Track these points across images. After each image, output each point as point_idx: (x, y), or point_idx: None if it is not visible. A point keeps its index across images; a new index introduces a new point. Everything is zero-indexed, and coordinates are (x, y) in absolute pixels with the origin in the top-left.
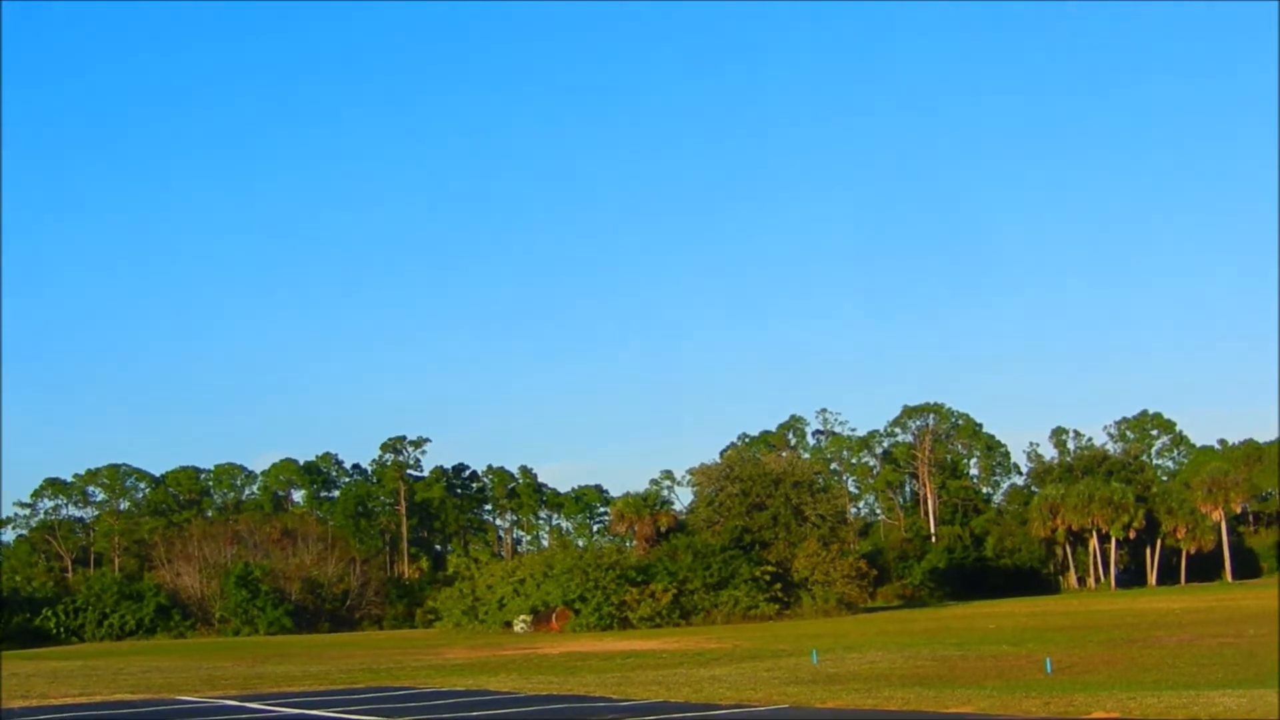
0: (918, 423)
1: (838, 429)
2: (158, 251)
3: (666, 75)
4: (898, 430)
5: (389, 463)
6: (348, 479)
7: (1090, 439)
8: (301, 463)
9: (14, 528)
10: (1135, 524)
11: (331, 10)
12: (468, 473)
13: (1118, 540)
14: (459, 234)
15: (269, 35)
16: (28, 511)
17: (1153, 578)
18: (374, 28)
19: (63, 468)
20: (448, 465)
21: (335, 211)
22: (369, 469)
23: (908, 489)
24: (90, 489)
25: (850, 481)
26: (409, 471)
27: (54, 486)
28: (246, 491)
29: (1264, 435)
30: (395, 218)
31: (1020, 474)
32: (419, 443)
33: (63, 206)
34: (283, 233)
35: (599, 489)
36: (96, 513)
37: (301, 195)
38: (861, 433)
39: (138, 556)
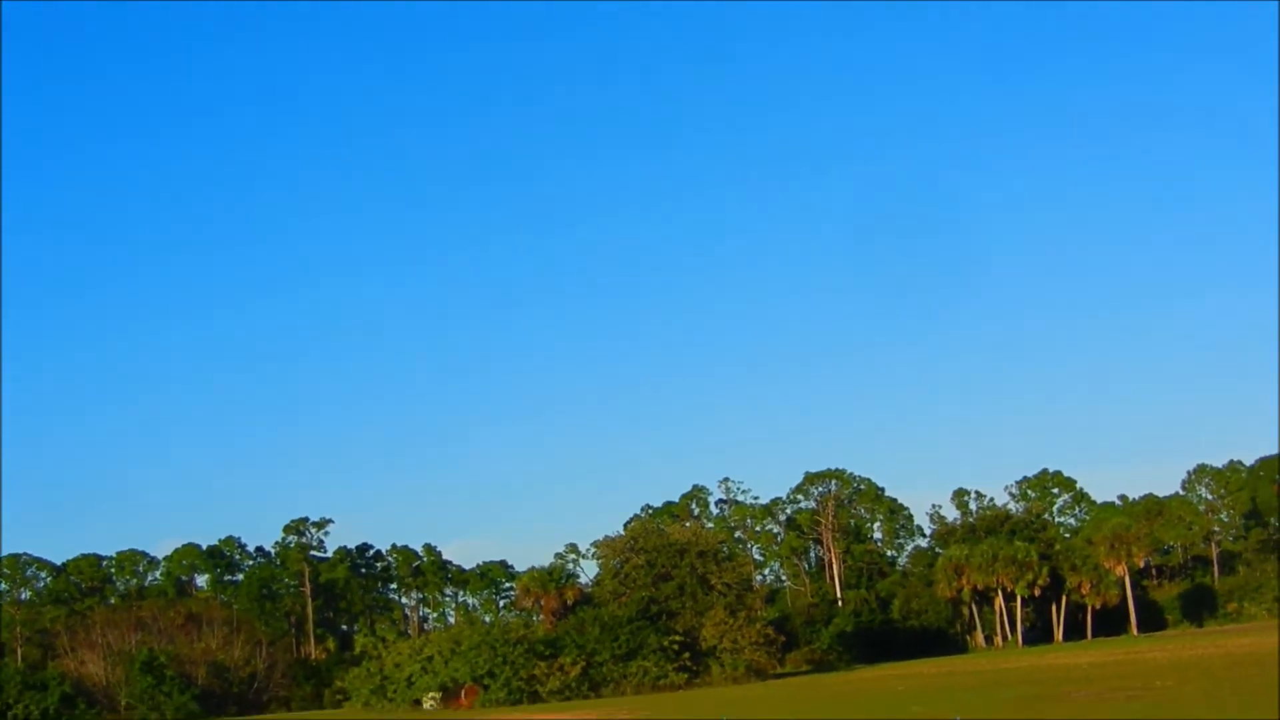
0: (820, 489)
1: (740, 497)
2: (52, 333)
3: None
4: (800, 497)
5: (292, 544)
6: (251, 562)
7: (992, 499)
8: (204, 547)
9: None
10: (1040, 581)
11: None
12: (372, 552)
13: (1023, 598)
14: (358, 311)
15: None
16: None
17: (1059, 634)
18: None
19: None
20: (351, 545)
21: (233, 290)
22: (272, 551)
23: (812, 554)
24: None
25: (755, 549)
26: (313, 552)
27: None
28: (149, 577)
29: (1164, 489)
30: (294, 295)
31: (924, 536)
32: (322, 524)
33: None
34: (179, 313)
35: (504, 564)
36: None
37: (190, 280)
38: (764, 500)
39: (40, 646)
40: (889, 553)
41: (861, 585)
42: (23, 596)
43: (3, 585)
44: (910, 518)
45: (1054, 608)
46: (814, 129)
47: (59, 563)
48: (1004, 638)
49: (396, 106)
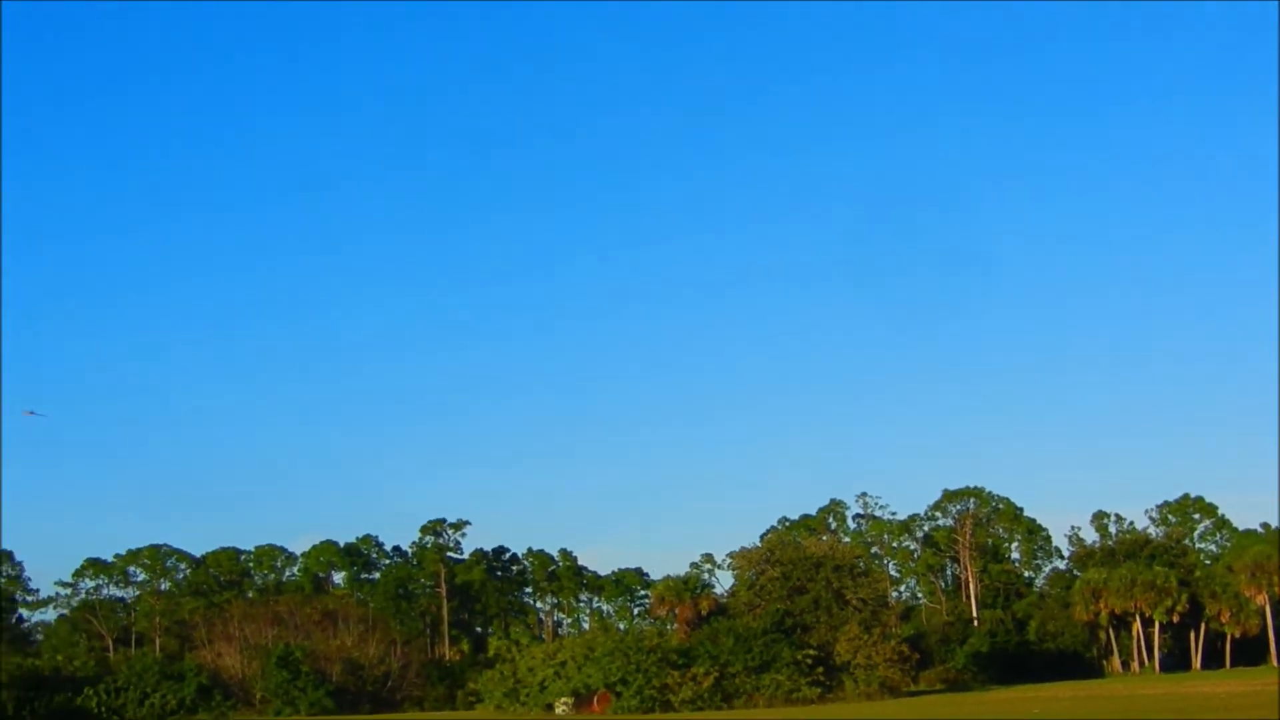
0: (958, 506)
1: (878, 513)
2: (200, 335)
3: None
4: (938, 514)
5: (429, 545)
6: (388, 561)
7: (1132, 523)
8: (342, 545)
9: (55, 607)
10: (1179, 608)
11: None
12: (508, 555)
13: (1161, 624)
14: (500, 318)
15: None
16: (69, 591)
17: (1197, 661)
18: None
19: (104, 548)
20: (488, 548)
21: (376, 295)
22: (409, 551)
23: (949, 572)
24: (131, 569)
25: (891, 565)
26: (449, 554)
27: (95, 566)
28: (287, 573)
29: None
30: (438, 295)
31: (1062, 558)
32: (459, 525)
33: (107, 293)
34: (326, 317)
35: (639, 572)
36: (137, 593)
37: (338, 280)
38: (902, 516)
39: (178, 637)
40: (1026, 573)
41: (998, 605)
42: (162, 587)
43: (143, 576)
44: (1048, 539)
45: (1192, 635)
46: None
47: (199, 555)
48: (1140, 664)
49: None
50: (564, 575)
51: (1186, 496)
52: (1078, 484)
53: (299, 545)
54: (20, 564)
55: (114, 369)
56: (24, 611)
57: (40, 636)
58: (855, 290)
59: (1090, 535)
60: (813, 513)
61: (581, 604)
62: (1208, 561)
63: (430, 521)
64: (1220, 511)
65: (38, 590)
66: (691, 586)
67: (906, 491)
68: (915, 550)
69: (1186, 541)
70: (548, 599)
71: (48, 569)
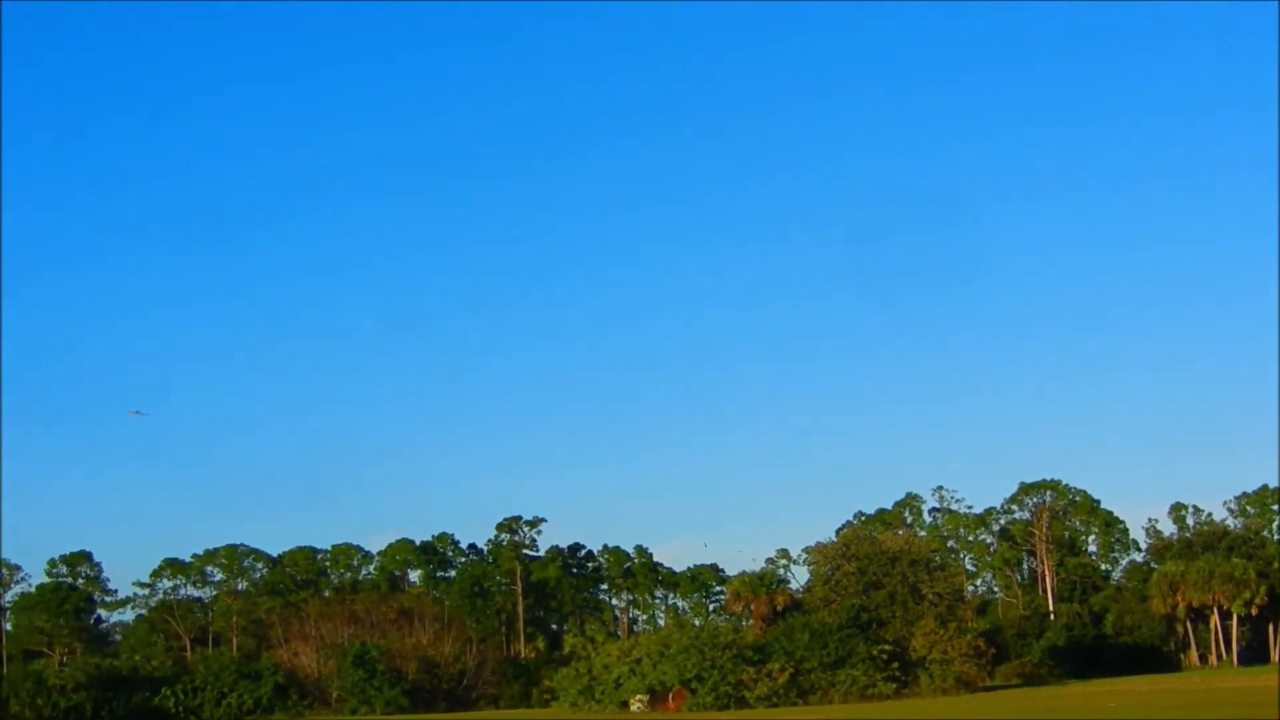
0: (1034, 500)
1: (954, 506)
2: (276, 337)
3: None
4: (1014, 507)
5: (504, 543)
6: (463, 559)
7: (1210, 515)
8: (417, 543)
9: (133, 607)
10: (1257, 600)
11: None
12: (583, 552)
13: (1239, 616)
14: (575, 312)
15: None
16: (146, 591)
17: (1276, 654)
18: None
19: (181, 548)
20: (563, 545)
21: (451, 297)
22: (484, 549)
23: (1025, 566)
24: (208, 569)
25: (967, 559)
26: (524, 551)
27: (173, 567)
28: (363, 572)
29: None
30: (510, 297)
31: (1139, 550)
32: (534, 523)
33: (187, 297)
34: (401, 318)
35: (714, 568)
36: (214, 593)
37: (412, 283)
38: (978, 510)
39: (255, 636)
40: (1103, 566)
41: (1074, 599)
42: (239, 587)
43: (220, 576)
44: (1125, 531)
45: (1271, 627)
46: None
47: (275, 554)
48: (1219, 657)
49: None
50: (639, 572)
51: (1265, 488)
52: (1155, 476)
53: (375, 544)
54: (99, 565)
55: (192, 370)
56: (102, 612)
57: (118, 637)
58: (929, 287)
59: (1168, 527)
60: (888, 507)
61: (656, 601)
62: None
63: (506, 519)
64: None
65: (116, 591)
66: (767, 582)
67: (982, 485)
68: (991, 544)
69: (1265, 533)
70: (623, 596)
71: (126, 570)
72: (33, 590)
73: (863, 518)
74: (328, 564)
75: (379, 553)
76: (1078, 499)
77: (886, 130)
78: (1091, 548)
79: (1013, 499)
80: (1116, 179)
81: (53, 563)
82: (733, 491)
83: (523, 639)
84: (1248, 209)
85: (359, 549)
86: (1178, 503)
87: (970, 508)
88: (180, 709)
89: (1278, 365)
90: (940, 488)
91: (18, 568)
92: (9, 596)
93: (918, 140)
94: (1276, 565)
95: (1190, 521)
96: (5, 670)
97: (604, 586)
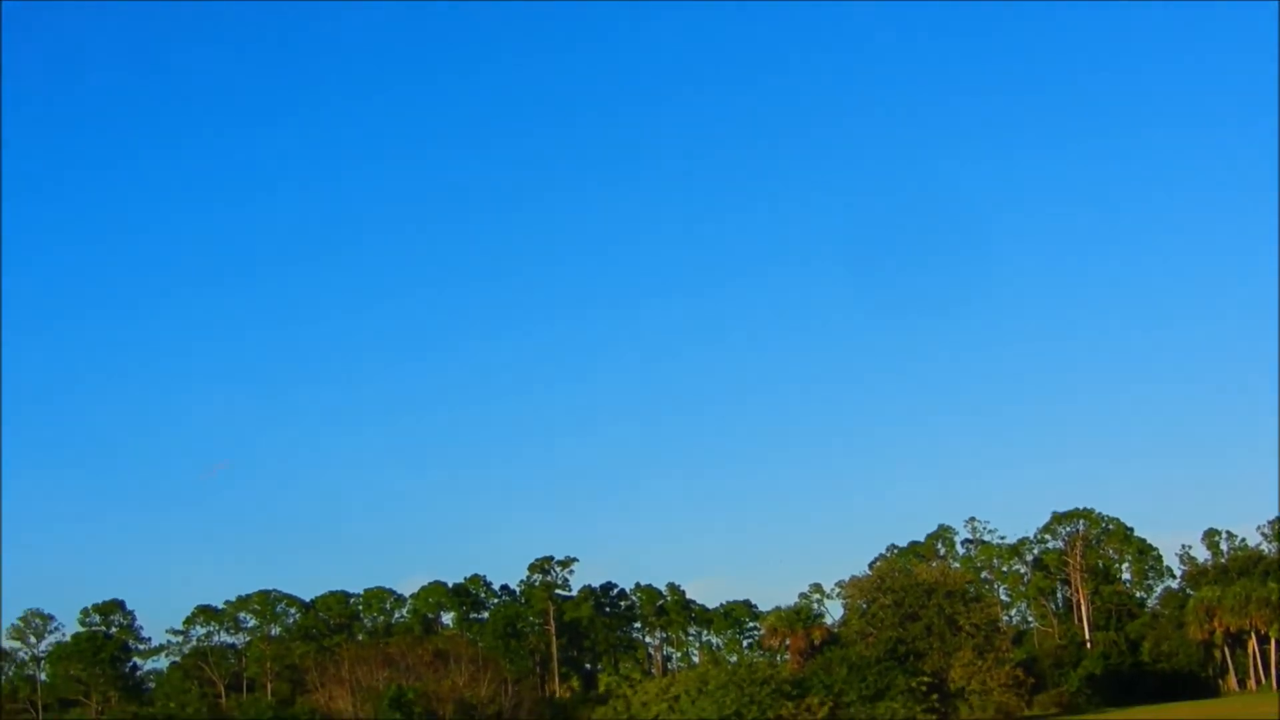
0: (1067, 529)
1: (986, 537)
2: (305, 379)
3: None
4: (1048, 536)
5: (537, 583)
6: (496, 600)
7: (1244, 540)
8: (450, 585)
9: (167, 655)
10: None
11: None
12: (616, 591)
13: (1277, 640)
14: (602, 348)
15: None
16: (180, 639)
17: None
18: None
19: (214, 595)
20: (595, 584)
21: (478, 334)
22: (517, 590)
23: (1060, 595)
24: (242, 615)
25: (1001, 589)
26: (557, 591)
27: (206, 613)
28: (396, 615)
29: None
30: (538, 329)
31: (1174, 577)
32: (566, 563)
33: (213, 350)
34: (427, 359)
35: (748, 604)
36: (248, 639)
37: (442, 321)
38: (1011, 540)
39: (290, 681)
40: (1138, 594)
41: (1110, 627)
42: (273, 633)
43: (254, 622)
44: (1159, 558)
45: None
46: None
47: (308, 599)
48: (1258, 681)
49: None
50: (672, 609)
51: None
52: (1188, 502)
53: (408, 587)
54: (132, 613)
55: (220, 415)
56: (137, 660)
57: (153, 684)
58: (956, 318)
59: (1202, 553)
60: (921, 539)
61: (690, 638)
62: None
63: (537, 559)
64: None
65: (149, 639)
66: (803, 617)
67: (1015, 515)
68: (1025, 574)
69: None
70: (657, 634)
71: (159, 617)
72: (67, 640)
73: (896, 550)
74: (360, 608)
75: (412, 595)
76: (1111, 527)
77: (899, 148)
78: (1126, 575)
79: (1046, 528)
80: (1145, 189)
81: (86, 612)
82: (763, 526)
83: (557, 679)
84: None
85: (391, 592)
86: (1211, 529)
87: (1003, 538)
88: None
89: None
90: (973, 519)
91: (51, 617)
92: (44, 646)
93: (933, 156)
94: None
95: (1224, 547)
96: (42, 719)
97: (637, 625)
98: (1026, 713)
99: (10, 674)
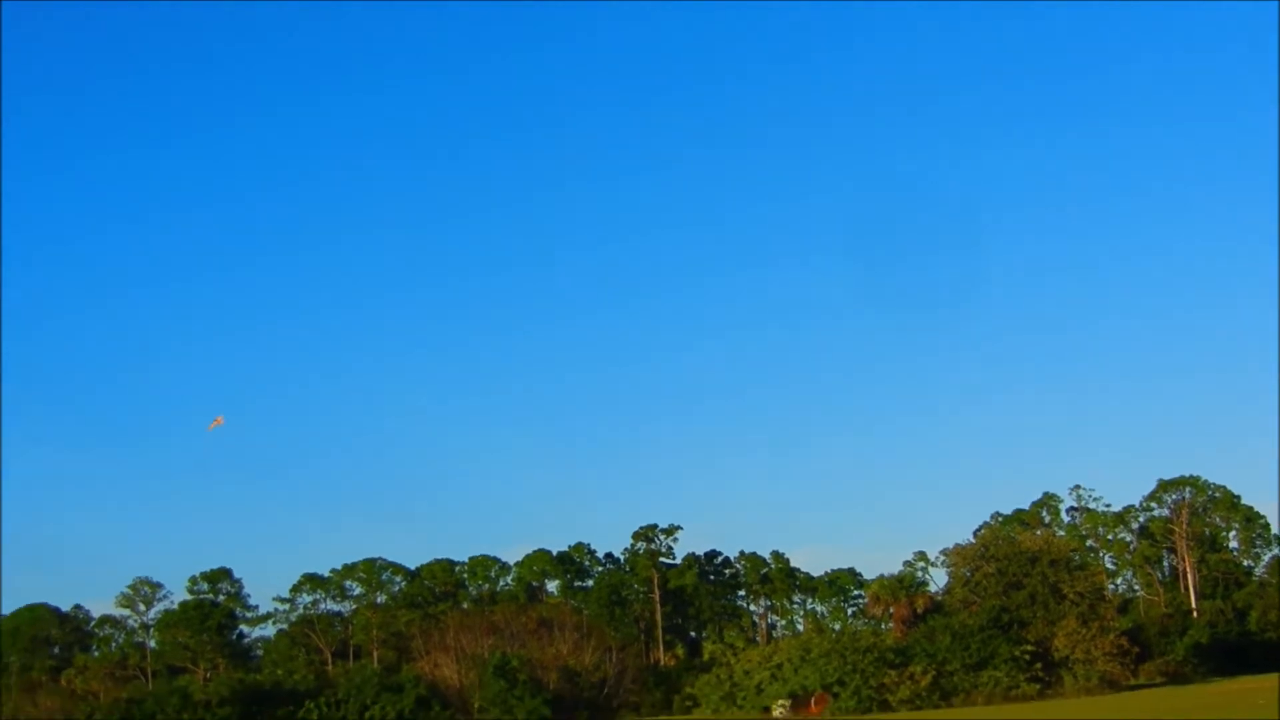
0: (1174, 496)
1: (1092, 505)
2: (413, 347)
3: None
4: (1154, 504)
5: (641, 551)
6: (601, 568)
7: None
8: (555, 553)
9: (274, 623)
10: None
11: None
12: (720, 559)
13: None
14: (706, 318)
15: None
16: (287, 607)
17: None
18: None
19: (320, 563)
20: (699, 552)
21: (581, 305)
22: (621, 558)
23: (1166, 564)
24: (348, 583)
25: (1107, 558)
26: (662, 559)
27: (312, 582)
28: (501, 583)
29: None
30: (644, 302)
31: None
32: (670, 530)
33: (315, 308)
34: (536, 327)
35: (852, 572)
36: (354, 606)
37: (546, 292)
38: (1116, 508)
39: (395, 649)
40: (1245, 562)
41: (1217, 595)
42: (379, 600)
43: (360, 590)
44: (1267, 526)
45: None
46: None
47: (413, 567)
48: None
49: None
50: (776, 577)
51: None
52: None
53: (512, 555)
54: (239, 581)
55: (326, 385)
56: (244, 628)
57: (260, 652)
58: (1056, 287)
59: None
60: (1025, 507)
61: (795, 606)
62: None
63: (642, 527)
64: None
65: (257, 607)
66: (906, 585)
67: (1120, 482)
68: (1131, 542)
69: None
70: (761, 601)
71: (266, 585)
72: (175, 608)
73: (1000, 518)
74: (465, 576)
75: (516, 564)
76: (1217, 495)
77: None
78: (1233, 544)
79: (1151, 496)
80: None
81: (194, 580)
82: (868, 494)
83: (661, 646)
84: None
85: (496, 560)
86: None
87: (1108, 506)
88: None
89: None
90: (1078, 486)
91: (160, 585)
92: (152, 614)
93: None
94: None
95: None
96: (151, 686)
97: (741, 593)
98: (1132, 682)
99: (120, 641)
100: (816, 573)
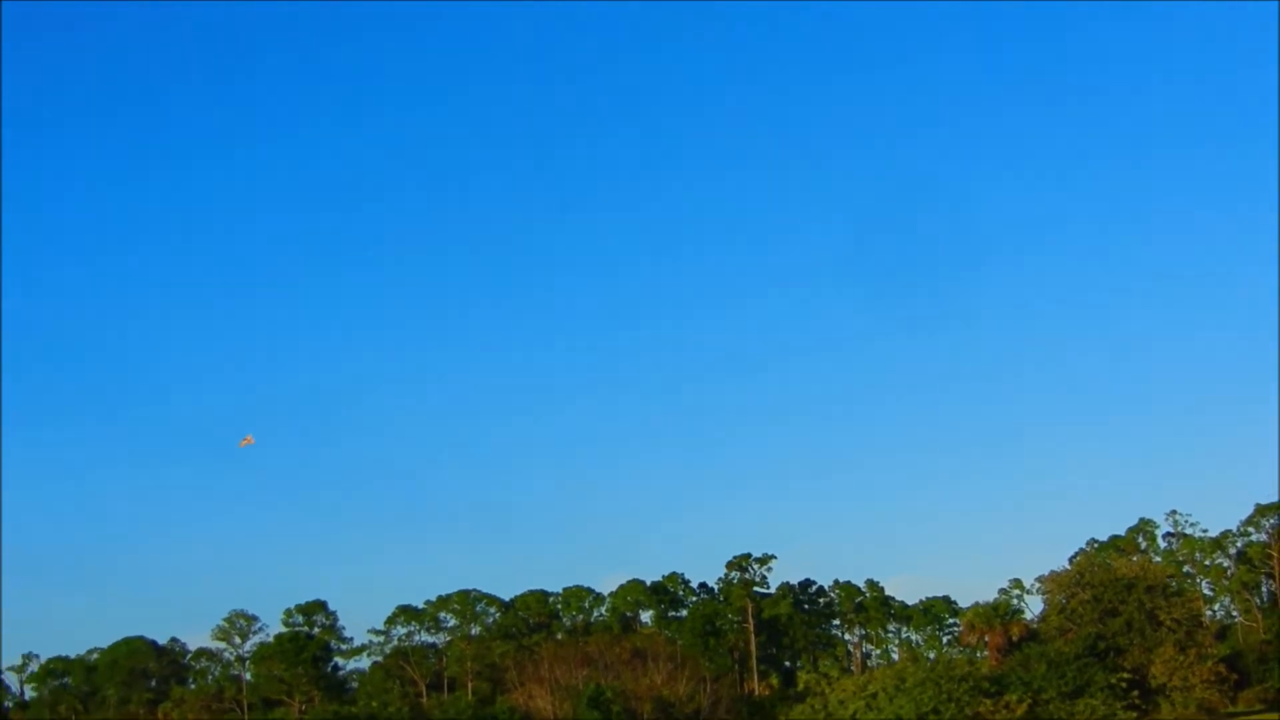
0: (1272, 521)
1: (1188, 530)
2: (505, 380)
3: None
4: (1251, 529)
5: (735, 580)
6: (695, 598)
7: None
8: (648, 583)
9: (369, 655)
10: None
11: None
12: (814, 588)
13: None
14: (800, 342)
15: None
16: (382, 639)
17: None
18: None
19: (415, 595)
20: (793, 581)
21: (673, 333)
22: (715, 588)
23: (1265, 589)
24: (442, 615)
25: (1204, 584)
26: (755, 589)
27: (407, 614)
28: (595, 613)
29: None
30: (735, 343)
31: None
32: (764, 560)
33: (412, 353)
34: (625, 356)
35: (947, 600)
36: (448, 638)
37: (634, 320)
38: (1213, 533)
39: (490, 680)
40: None
41: None
42: (473, 632)
43: (454, 621)
44: None
45: None
46: None
47: (507, 599)
48: None
49: None
50: (871, 606)
51: None
52: None
53: (606, 585)
54: (334, 614)
55: (421, 418)
56: (339, 660)
57: (355, 684)
58: (1152, 315)
59: None
60: (1121, 533)
61: (890, 634)
62: None
63: (736, 557)
64: None
65: (351, 639)
66: (1001, 613)
67: (1217, 508)
68: (1229, 567)
69: None
70: (855, 630)
71: (361, 618)
72: (270, 640)
73: (1095, 545)
74: (559, 606)
75: (610, 594)
76: None
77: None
78: None
79: (1249, 521)
80: None
81: (289, 612)
82: (962, 521)
83: (756, 676)
84: None
85: (590, 591)
86: None
87: (1205, 531)
88: None
89: None
90: (1174, 512)
91: (255, 618)
92: (248, 647)
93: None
94: None
95: None
96: (247, 718)
97: (836, 622)
98: (1230, 709)
99: (216, 674)
100: (911, 601)
